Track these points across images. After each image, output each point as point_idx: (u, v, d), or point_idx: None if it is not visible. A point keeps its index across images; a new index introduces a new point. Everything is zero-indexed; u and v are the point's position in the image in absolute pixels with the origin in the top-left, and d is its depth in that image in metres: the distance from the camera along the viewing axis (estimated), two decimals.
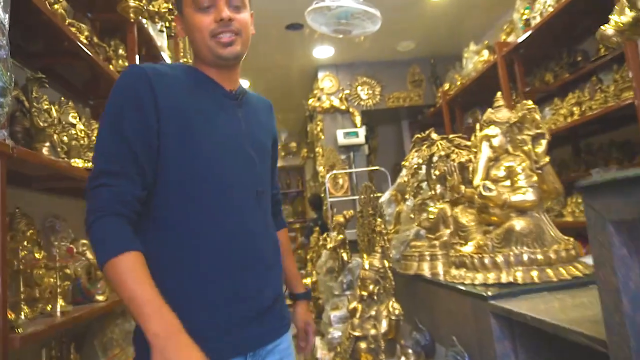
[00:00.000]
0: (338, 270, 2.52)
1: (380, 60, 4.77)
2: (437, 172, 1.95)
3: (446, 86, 4.45)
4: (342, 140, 4.67)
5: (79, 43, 1.44)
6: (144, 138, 0.95)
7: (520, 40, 2.87)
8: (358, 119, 4.82)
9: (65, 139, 1.37)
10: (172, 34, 2.42)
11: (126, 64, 2.29)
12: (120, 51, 2.35)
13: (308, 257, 4.63)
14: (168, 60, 2.84)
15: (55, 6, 1.47)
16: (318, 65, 4.94)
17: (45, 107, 1.34)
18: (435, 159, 2.03)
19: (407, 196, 2.11)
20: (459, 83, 4.06)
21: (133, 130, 0.94)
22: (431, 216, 2.04)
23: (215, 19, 1.03)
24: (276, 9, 3.64)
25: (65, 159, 1.33)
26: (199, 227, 0.97)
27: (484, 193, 1.42)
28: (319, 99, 4.93)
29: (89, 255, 1.61)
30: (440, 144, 1.93)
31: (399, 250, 2.39)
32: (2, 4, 0.92)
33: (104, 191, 0.90)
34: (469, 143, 1.94)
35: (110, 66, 2.07)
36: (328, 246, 2.53)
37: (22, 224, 1.41)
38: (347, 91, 4.92)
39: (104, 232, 0.88)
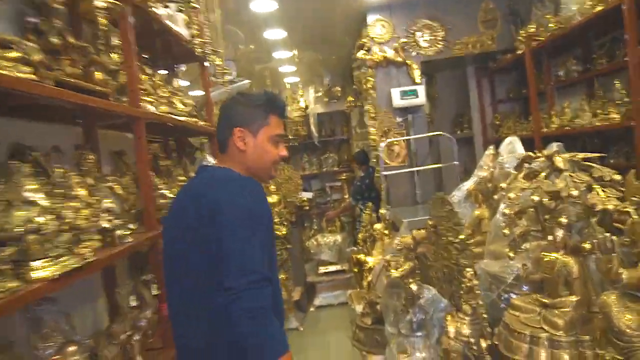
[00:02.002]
0: (405, 304, 2.05)
1: None
2: (563, 220, 1.35)
3: (531, 28, 3.57)
4: (398, 101, 3.98)
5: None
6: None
7: None
8: (417, 73, 4.07)
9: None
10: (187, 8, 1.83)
11: (116, 57, 1.77)
12: (115, 40, 1.81)
13: (360, 235, 4.21)
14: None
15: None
16: (367, 6, 4.14)
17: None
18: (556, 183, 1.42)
19: (505, 230, 1.54)
20: (552, 26, 3.20)
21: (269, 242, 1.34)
22: (546, 272, 1.48)
23: (280, 155, 1.47)
24: None
25: None
26: None
27: None
28: (368, 50, 4.18)
29: None
30: (572, 178, 1.31)
31: (488, 291, 1.87)
32: None
33: (266, 294, 1.19)
34: (618, 177, 1.31)
35: (97, 73, 1.55)
36: (392, 274, 2.04)
37: None
38: (403, 39, 4.12)
39: (275, 329, 1.19)
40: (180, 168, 2.47)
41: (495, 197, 2.36)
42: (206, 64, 2.85)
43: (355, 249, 4.58)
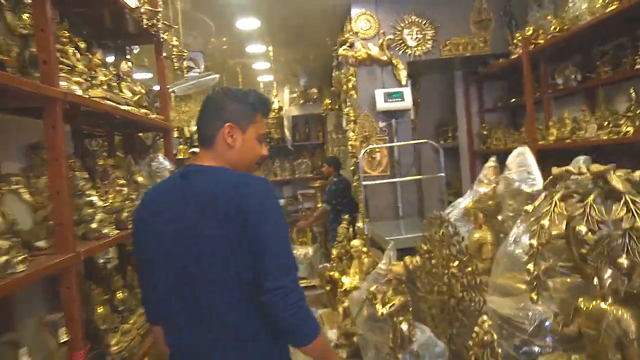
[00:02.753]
0: (393, 347, 1.69)
1: None
2: (623, 260, 1.02)
3: (529, 30, 3.31)
4: (382, 104, 3.65)
5: None
6: None
7: None
8: (403, 74, 3.75)
9: None
10: None
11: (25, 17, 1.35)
12: None
13: (334, 251, 3.85)
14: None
15: None
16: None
17: None
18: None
19: (529, 266, 1.20)
20: (554, 28, 2.94)
21: None
22: (589, 326, 1.16)
23: (263, 153, 1.53)
24: None
25: None
26: None
27: None
28: (351, 45, 3.84)
29: None
30: (637, 204, 0.98)
31: (501, 336, 1.53)
32: None
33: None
34: None
35: None
36: (378, 310, 1.68)
37: None
38: (389, 36, 3.80)
39: (312, 314, 1.37)
40: (123, 169, 2.04)
41: (500, 217, 2.04)
42: (164, 53, 2.43)
43: (328, 265, 4.21)
